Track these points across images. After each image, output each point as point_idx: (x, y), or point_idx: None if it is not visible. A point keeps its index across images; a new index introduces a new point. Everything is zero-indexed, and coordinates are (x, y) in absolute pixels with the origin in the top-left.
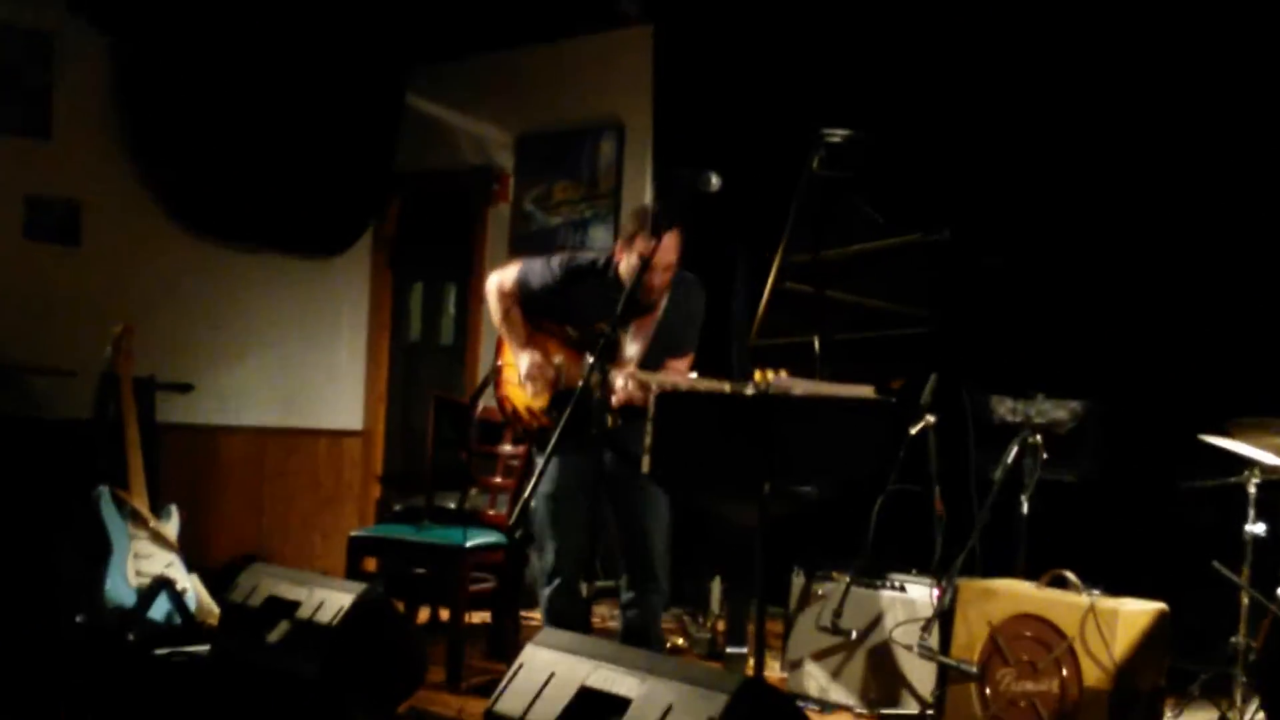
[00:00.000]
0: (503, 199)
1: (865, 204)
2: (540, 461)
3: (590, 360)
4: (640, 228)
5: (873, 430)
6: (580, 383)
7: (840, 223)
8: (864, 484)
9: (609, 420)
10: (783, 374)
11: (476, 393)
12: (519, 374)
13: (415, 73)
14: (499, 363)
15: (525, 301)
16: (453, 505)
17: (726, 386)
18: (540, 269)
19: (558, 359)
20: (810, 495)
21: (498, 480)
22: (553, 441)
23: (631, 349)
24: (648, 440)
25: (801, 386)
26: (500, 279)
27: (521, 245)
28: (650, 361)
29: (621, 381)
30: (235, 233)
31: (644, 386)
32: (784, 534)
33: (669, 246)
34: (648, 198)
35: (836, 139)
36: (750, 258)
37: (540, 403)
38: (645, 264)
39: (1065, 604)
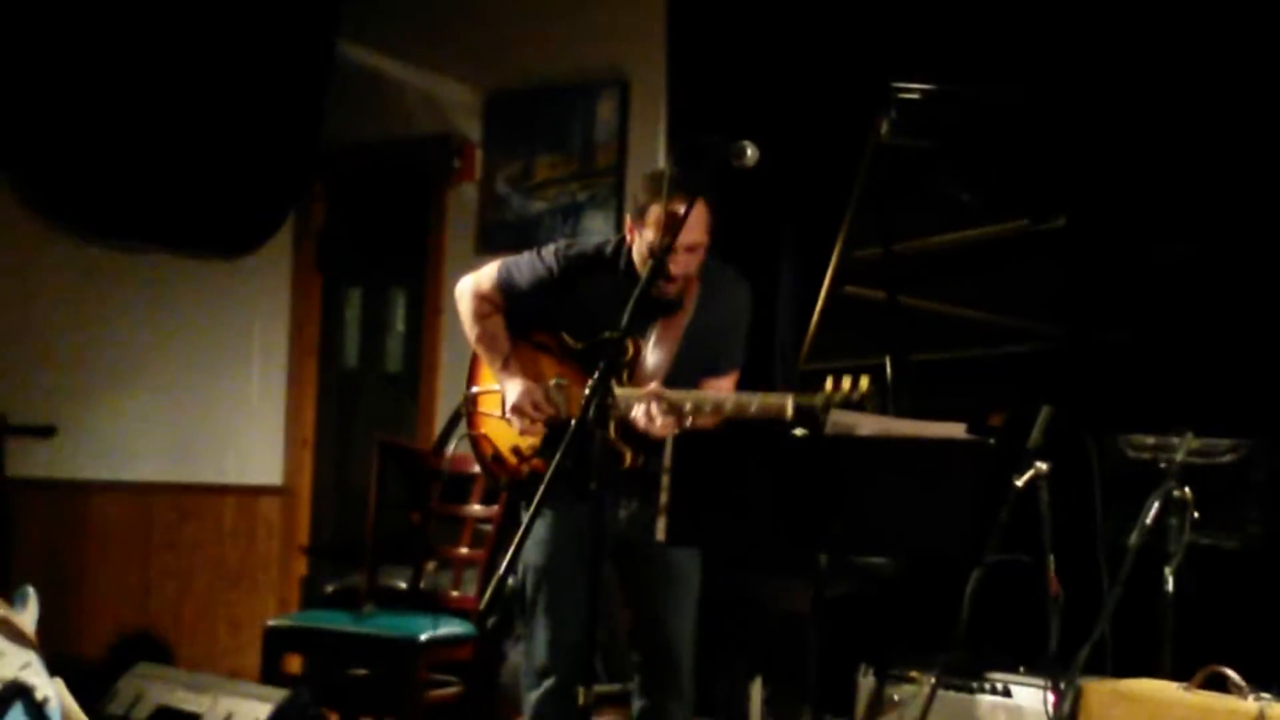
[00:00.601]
0: (467, 178)
1: (953, 181)
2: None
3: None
4: (654, 197)
5: (964, 482)
6: (581, 417)
7: (919, 206)
8: (953, 554)
9: (623, 459)
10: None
11: (442, 435)
12: (504, 403)
13: (349, 13)
14: (474, 389)
15: (511, 306)
16: (404, 585)
17: (788, 405)
18: (529, 263)
19: (555, 380)
20: (881, 570)
21: (464, 551)
22: (540, 491)
23: (653, 359)
24: (663, 496)
25: (869, 424)
26: (476, 280)
27: (493, 239)
28: (681, 379)
29: (641, 407)
30: (109, 226)
31: (673, 410)
32: (847, 621)
33: (694, 222)
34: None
35: (913, 95)
36: (798, 255)
37: (533, 440)
38: (665, 249)
39: (1225, 711)
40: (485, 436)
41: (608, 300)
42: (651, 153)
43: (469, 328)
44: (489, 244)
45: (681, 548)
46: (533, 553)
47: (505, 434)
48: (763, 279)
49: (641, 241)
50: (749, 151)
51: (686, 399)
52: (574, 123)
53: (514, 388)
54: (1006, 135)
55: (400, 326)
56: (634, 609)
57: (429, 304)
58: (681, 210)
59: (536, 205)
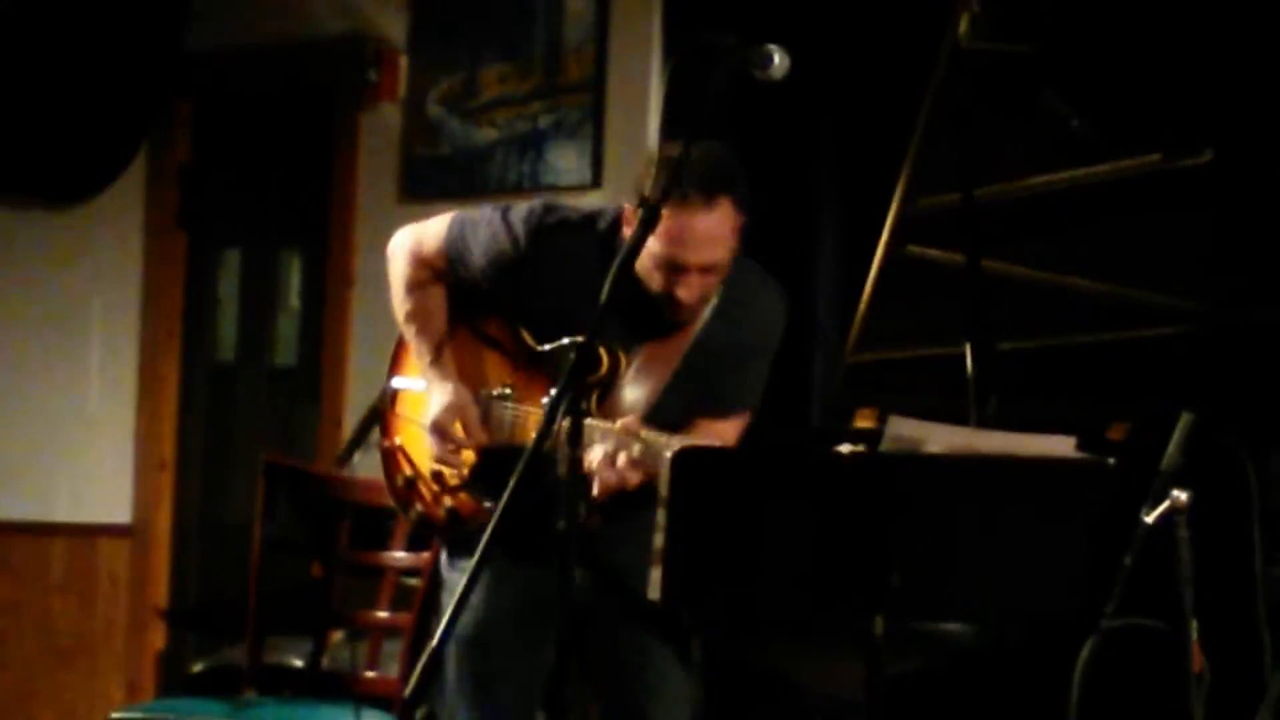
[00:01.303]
0: (387, 96)
1: (1059, 101)
2: (457, 581)
3: (555, 400)
4: (670, 197)
5: (1075, 519)
6: (535, 441)
7: (1011, 137)
8: (1059, 619)
9: (582, 514)
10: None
11: (347, 449)
12: (425, 415)
13: None
14: (389, 386)
15: (459, 279)
16: (300, 662)
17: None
18: (491, 226)
19: (498, 389)
20: (959, 640)
21: (383, 615)
22: (482, 545)
23: (635, 388)
24: (659, 538)
25: (942, 438)
26: (418, 236)
27: (424, 182)
28: (667, 413)
29: (604, 449)
30: None
31: (643, 463)
32: (913, 710)
33: (717, 233)
34: (654, 92)
35: None
36: (842, 204)
37: (458, 470)
38: (674, 266)
39: None
40: (401, 450)
41: (590, 294)
42: (641, 60)
43: (398, 299)
44: (418, 188)
45: (672, 615)
46: (469, 623)
47: (425, 456)
48: (795, 239)
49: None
50: (776, 58)
51: (666, 446)
52: (534, 20)
53: (441, 394)
54: (1133, 37)
55: (295, 303)
56: (605, 701)
57: (335, 272)
58: (700, 222)
59: (483, 134)
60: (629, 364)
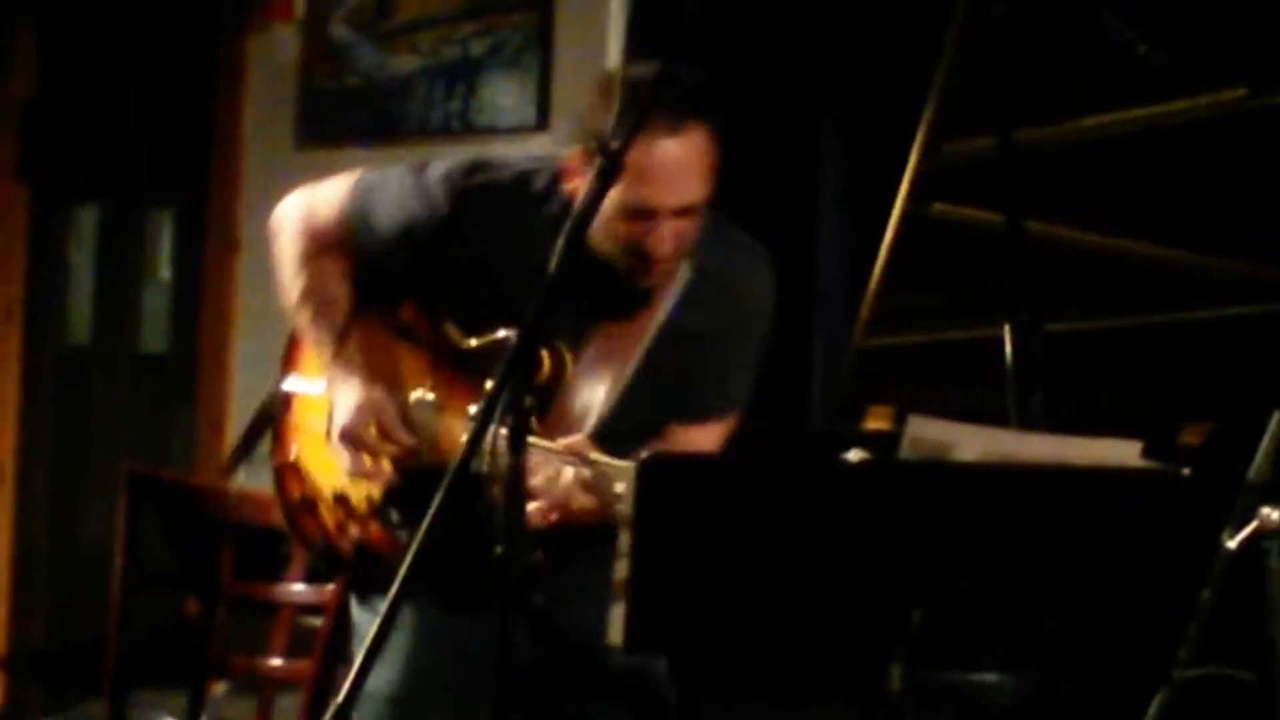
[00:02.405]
0: (280, 17)
1: (1123, 23)
2: (369, 625)
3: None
4: (622, 124)
5: (1141, 541)
6: (460, 460)
7: (1062, 68)
8: (1122, 666)
9: (529, 554)
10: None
11: (231, 461)
12: (328, 422)
13: None
14: (280, 389)
15: (363, 255)
16: (172, 718)
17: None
18: (400, 187)
19: (419, 393)
20: (997, 694)
21: (276, 663)
22: (395, 587)
23: (587, 394)
24: (620, 568)
25: (974, 443)
26: (309, 203)
27: (327, 123)
28: (631, 421)
29: (544, 474)
30: None
31: (595, 488)
32: None
33: (690, 166)
34: (614, 10)
35: None
36: (848, 151)
37: (367, 492)
38: (640, 212)
39: None
40: (297, 467)
41: (525, 271)
42: None
43: (288, 279)
44: (320, 130)
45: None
46: (380, 678)
47: (329, 467)
48: (791, 194)
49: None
50: None
51: (625, 472)
52: None
53: (349, 394)
54: None
55: (165, 274)
56: None
57: (215, 236)
58: (668, 152)
59: (401, 63)
60: (577, 361)
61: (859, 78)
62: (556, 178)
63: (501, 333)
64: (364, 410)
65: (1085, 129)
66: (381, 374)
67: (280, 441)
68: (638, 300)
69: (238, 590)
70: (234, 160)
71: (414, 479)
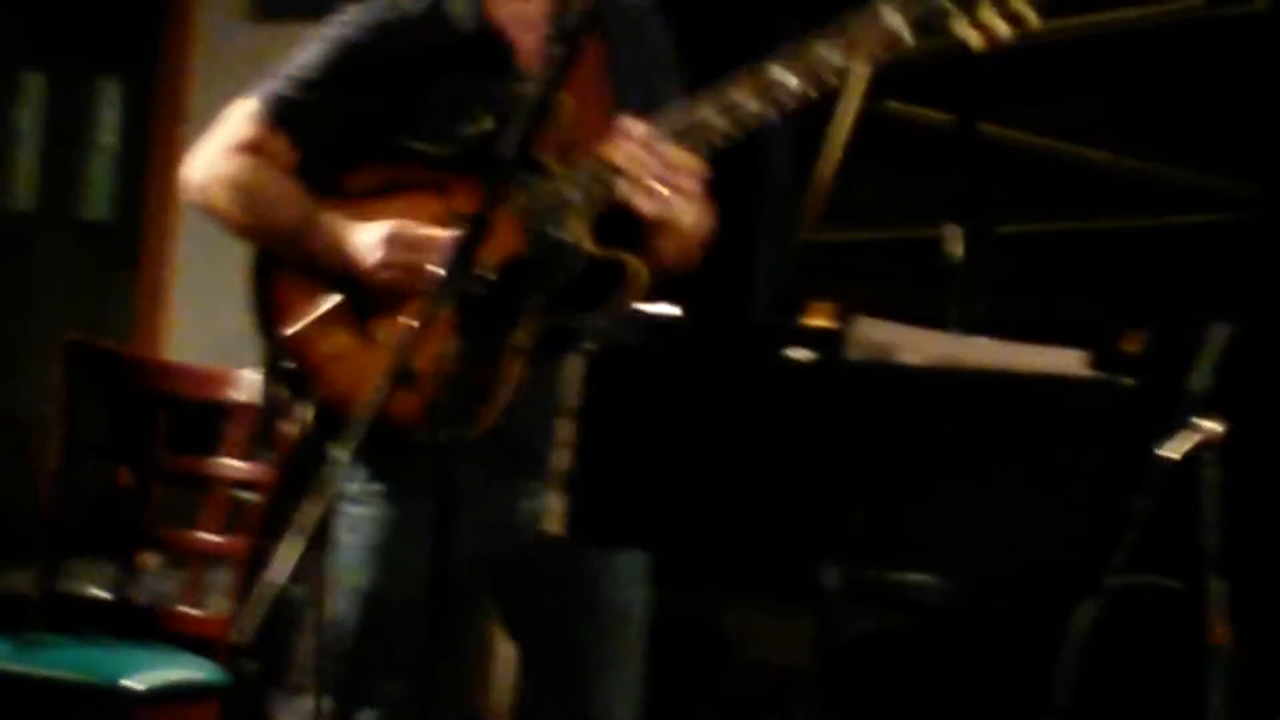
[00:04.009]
0: None
1: None
2: (362, 507)
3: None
4: None
5: (1079, 451)
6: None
7: None
8: (1054, 573)
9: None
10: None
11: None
12: (360, 257)
13: None
14: (279, 339)
15: (303, 136)
16: (102, 593)
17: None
18: (311, 56)
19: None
20: (932, 597)
21: (209, 537)
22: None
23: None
24: (560, 458)
25: (919, 345)
26: (221, 135)
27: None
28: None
29: (627, 151)
30: None
31: (692, 135)
32: (873, 680)
33: None
34: None
35: None
36: (799, 36)
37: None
38: None
39: None
40: (345, 399)
41: (464, 81)
42: None
43: (229, 206)
44: (273, 4)
45: (603, 552)
46: (352, 564)
47: (369, 367)
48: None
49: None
50: None
51: (697, 109)
52: None
53: (371, 228)
54: None
55: (111, 141)
56: (539, 674)
57: (163, 105)
58: None
59: None
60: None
61: None
62: None
63: (488, 123)
64: (398, 231)
65: (1042, 31)
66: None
67: (322, 380)
68: (572, 49)
69: (172, 463)
70: (185, 30)
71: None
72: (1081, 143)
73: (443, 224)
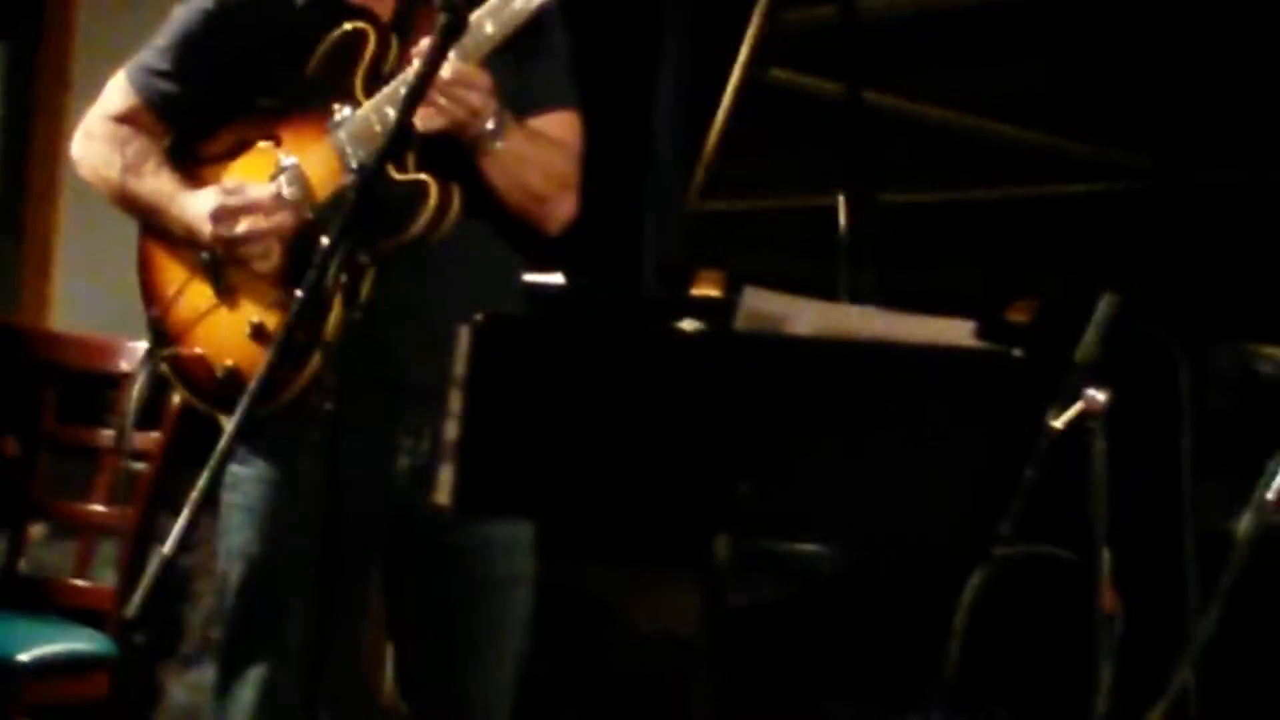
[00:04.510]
0: None
1: None
2: (242, 480)
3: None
4: None
5: (967, 421)
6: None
7: None
8: (942, 542)
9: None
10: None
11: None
12: (197, 234)
13: None
14: (149, 314)
15: (168, 106)
16: None
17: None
18: (173, 27)
19: (281, 162)
20: (819, 565)
21: (98, 509)
22: (258, 381)
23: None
24: (450, 429)
25: (808, 316)
26: (95, 110)
27: None
28: None
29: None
30: None
31: (480, 100)
32: (760, 650)
33: None
34: None
35: None
36: (686, 20)
37: (269, 267)
38: None
39: None
40: (203, 359)
41: (308, 40)
42: None
43: (107, 176)
44: None
45: (488, 520)
46: (234, 524)
47: (230, 325)
48: (627, 48)
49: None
50: None
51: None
52: None
53: (204, 197)
54: None
55: None
56: (413, 640)
57: (48, 70)
58: None
59: None
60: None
61: None
62: None
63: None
64: (223, 196)
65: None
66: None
67: (176, 341)
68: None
69: (60, 434)
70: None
71: (311, 241)
72: (971, 112)
73: (281, 156)
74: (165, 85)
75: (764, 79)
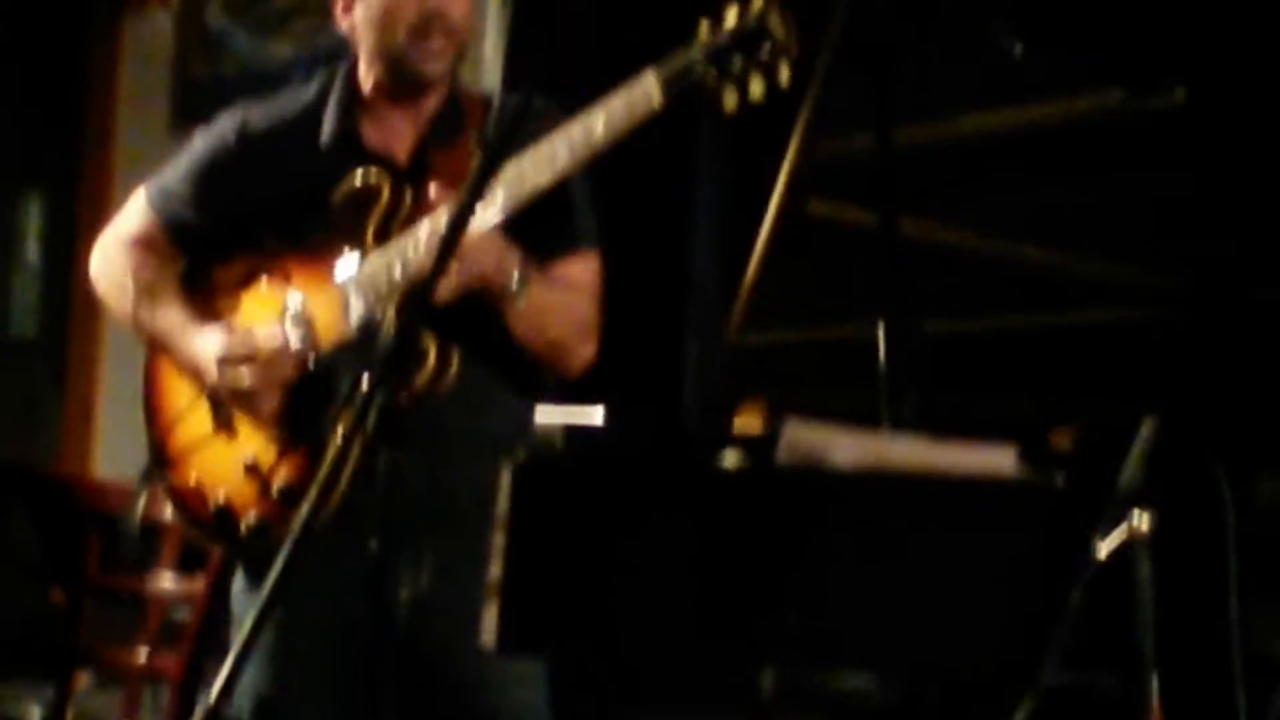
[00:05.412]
0: (157, 1)
1: (999, 22)
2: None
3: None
4: None
5: (1011, 549)
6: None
7: (939, 66)
8: (987, 672)
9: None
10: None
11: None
12: (202, 374)
13: None
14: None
15: (179, 226)
16: (37, 712)
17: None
18: (192, 154)
19: (290, 303)
20: (866, 698)
21: (144, 656)
22: (295, 536)
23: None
24: (495, 567)
25: (849, 447)
26: (114, 228)
27: (203, 105)
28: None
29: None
30: None
31: (499, 263)
32: None
33: None
34: (491, 8)
35: None
36: (724, 145)
37: (271, 447)
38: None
39: None
40: (199, 489)
41: (323, 178)
42: None
43: (124, 301)
44: (195, 117)
45: (519, 660)
46: (254, 673)
47: (226, 457)
48: (664, 187)
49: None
50: None
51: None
52: None
53: (210, 339)
54: None
55: (34, 259)
56: None
57: (87, 221)
58: None
59: (278, 50)
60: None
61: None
62: (352, 68)
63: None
64: (232, 343)
65: (962, 128)
66: (235, 316)
67: (175, 476)
68: (455, 131)
69: (104, 581)
70: (107, 146)
71: (310, 388)
72: (1004, 239)
73: (289, 295)
74: (184, 212)
75: (801, 210)
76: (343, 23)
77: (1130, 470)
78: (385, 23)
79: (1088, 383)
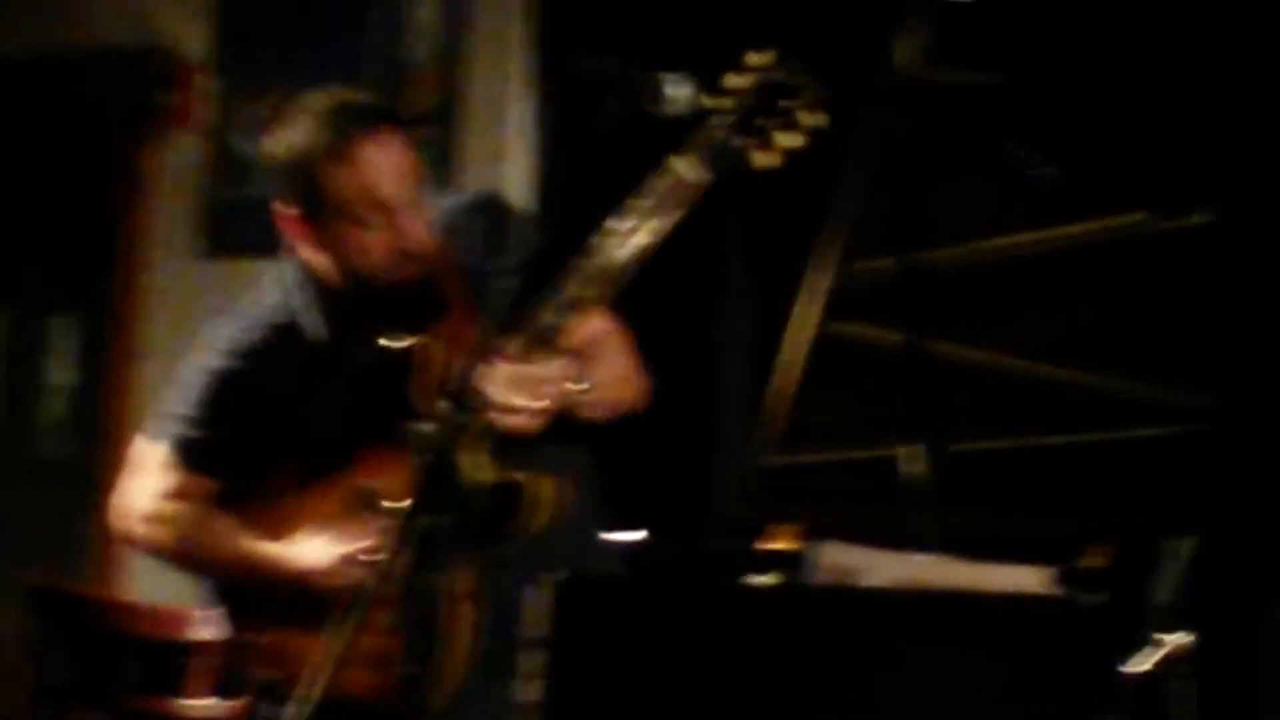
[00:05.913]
0: (184, 124)
1: (1024, 142)
2: None
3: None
4: (319, 142)
5: (1043, 671)
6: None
7: (964, 187)
8: None
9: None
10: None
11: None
12: (311, 583)
13: None
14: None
15: (216, 467)
16: None
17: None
18: (194, 392)
19: (362, 488)
20: None
21: None
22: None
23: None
24: (526, 688)
25: (886, 567)
26: (140, 484)
27: (232, 230)
28: None
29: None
30: None
31: (539, 344)
32: None
33: (387, 163)
34: (516, 124)
35: None
36: (753, 268)
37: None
38: (375, 208)
39: None
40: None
41: (329, 391)
42: (501, 85)
43: (172, 556)
44: (225, 241)
45: None
46: None
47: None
48: (691, 301)
49: (334, 261)
50: (671, 90)
51: (541, 314)
52: (369, 28)
53: (311, 551)
54: (1115, 68)
55: (65, 380)
56: None
57: (117, 344)
58: (375, 151)
59: None
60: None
61: (766, 200)
62: (303, 275)
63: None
64: (332, 544)
65: (986, 250)
66: (307, 516)
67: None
68: (439, 304)
69: (142, 706)
70: (137, 268)
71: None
72: (1032, 358)
73: (356, 502)
74: (207, 448)
75: (828, 332)
76: (301, 251)
77: (1165, 588)
78: (355, 260)
79: (1120, 501)
